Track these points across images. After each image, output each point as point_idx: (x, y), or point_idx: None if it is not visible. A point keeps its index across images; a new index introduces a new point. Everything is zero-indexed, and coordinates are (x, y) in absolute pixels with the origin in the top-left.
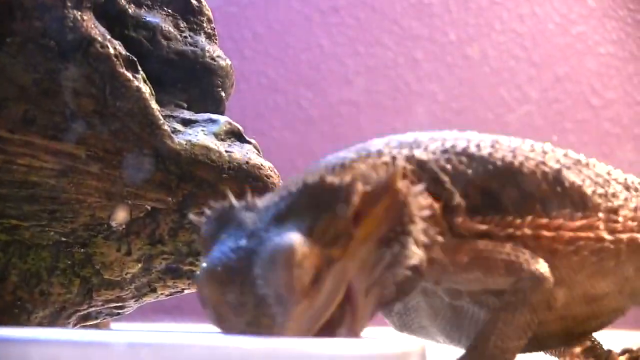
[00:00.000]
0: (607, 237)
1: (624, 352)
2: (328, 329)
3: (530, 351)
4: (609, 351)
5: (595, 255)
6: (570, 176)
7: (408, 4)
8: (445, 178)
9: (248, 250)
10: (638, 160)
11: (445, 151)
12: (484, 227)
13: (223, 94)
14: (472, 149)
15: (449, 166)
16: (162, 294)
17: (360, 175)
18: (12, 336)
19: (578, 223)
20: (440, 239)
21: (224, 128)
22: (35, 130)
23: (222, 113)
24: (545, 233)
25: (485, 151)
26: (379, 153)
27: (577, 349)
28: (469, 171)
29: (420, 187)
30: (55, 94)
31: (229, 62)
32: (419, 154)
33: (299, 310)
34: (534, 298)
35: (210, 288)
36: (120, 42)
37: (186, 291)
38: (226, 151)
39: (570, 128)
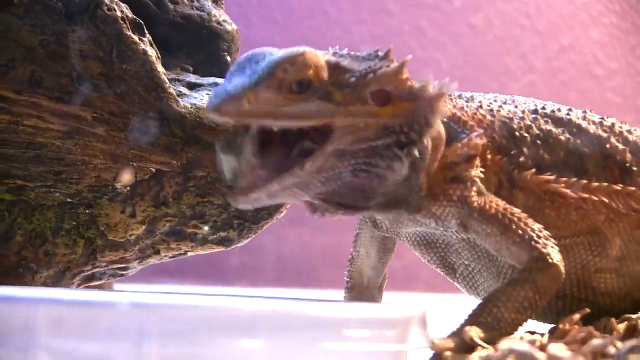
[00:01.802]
0: None
1: (623, 320)
2: (281, 141)
3: (582, 314)
4: (607, 318)
5: None
6: None
7: None
8: (525, 135)
9: None
10: None
11: (534, 111)
12: (554, 182)
13: (229, 58)
14: (562, 112)
15: (533, 126)
16: (165, 256)
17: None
18: (16, 296)
19: None
20: (476, 178)
21: None
22: (42, 92)
23: None
24: (615, 200)
25: (574, 116)
26: (472, 99)
27: (577, 316)
28: (554, 131)
29: (479, 132)
30: (61, 56)
31: (235, 26)
32: (507, 110)
33: (266, 94)
34: (540, 279)
35: (240, 58)
36: (127, 5)
37: (189, 253)
38: None
39: (573, 97)
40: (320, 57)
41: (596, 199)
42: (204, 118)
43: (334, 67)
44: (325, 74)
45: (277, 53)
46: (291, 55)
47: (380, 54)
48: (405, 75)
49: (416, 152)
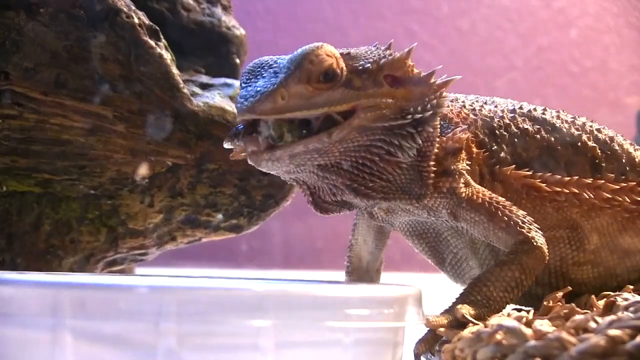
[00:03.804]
0: None
1: (602, 297)
2: (312, 126)
3: (564, 292)
4: (588, 296)
5: (629, 213)
6: (623, 143)
7: None
8: (504, 133)
9: None
10: (613, 122)
11: (512, 111)
12: (530, 177)
13: (237, 60)
14: (538, 112)
15: (511, 124)
16: (181, 242)
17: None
18: (44, 280)
19: (617, 186)
20: (463, 170)
21: (238, 91)
22: (66, 93)
23: (236, 78)
24: (586, 193)
25: (548, 115)
26: (456, 99)
27: (560, 293)
28: (531, 129)
29: (463, 127)
30: (84, 60)
31: (243, 31)
32: (487, 110)
33: (297, 88)
34: (525, 260)
35: (247, 68)
36: (144, 13)
37: (203, 239)
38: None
39: (551, 93)
40: (330, 49)
41: (567, 191)
42: (215, 115)
43: (346, 57)
44: (342, 63)
45: (287, 56)
46: (313, 48)
47: (382, 47)
48: (411, 62)
49: (430, 129)
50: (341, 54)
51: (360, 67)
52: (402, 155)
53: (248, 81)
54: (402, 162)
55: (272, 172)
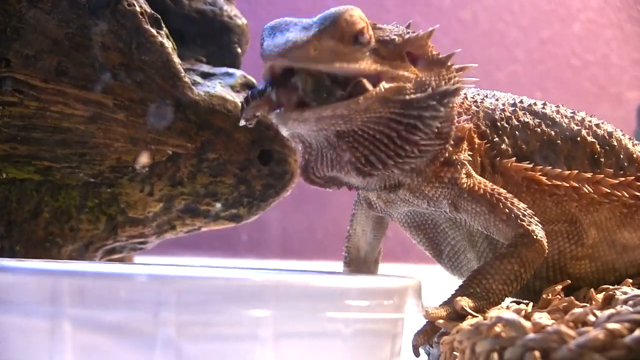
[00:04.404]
0: None
1: (601, 290)
2: (338, 85)
3: (563, 285)
4: (587, 289)
5: (627, 208)
6: (622, 138)
7: None
8: (506, 125)
9: None
10: (614, 117)
11: (513, 104)
12: (530, 170)
13: (239, 50)
14: (538, 106)
15: (512, 117)
16: (180, 231)
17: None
18: (43, 268)
19: (616, 181)
20: (465, 161)
21: (240, 81)
22: (67, 81)
23: (237, 67)
24: (585, 187)
25: (548, 110)
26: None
27: (559, 287)
28: (531, 123)
29: (465, 117)
30: (85, 48)
31: (244, 21)
32: (489, 102)
33: (329, 43)
34: (525, 253)
35: (270, 25)
36: (145, 1)
37: (203, 229)
38: (241, 102)
39: (552, 86)
40: (361, 13)
41: (567, 185)
42: (216, 104)
43: (373, 27)
44: (371, 31)
45: (310, 18)
46: (348, 8)
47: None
48: (431, 43)
49: (449, 104)
50: (369, 22)
51: (387, 38)
52: (422, 128)
53: (272, 34)
54: (421, 142)
55: (289, 131)
